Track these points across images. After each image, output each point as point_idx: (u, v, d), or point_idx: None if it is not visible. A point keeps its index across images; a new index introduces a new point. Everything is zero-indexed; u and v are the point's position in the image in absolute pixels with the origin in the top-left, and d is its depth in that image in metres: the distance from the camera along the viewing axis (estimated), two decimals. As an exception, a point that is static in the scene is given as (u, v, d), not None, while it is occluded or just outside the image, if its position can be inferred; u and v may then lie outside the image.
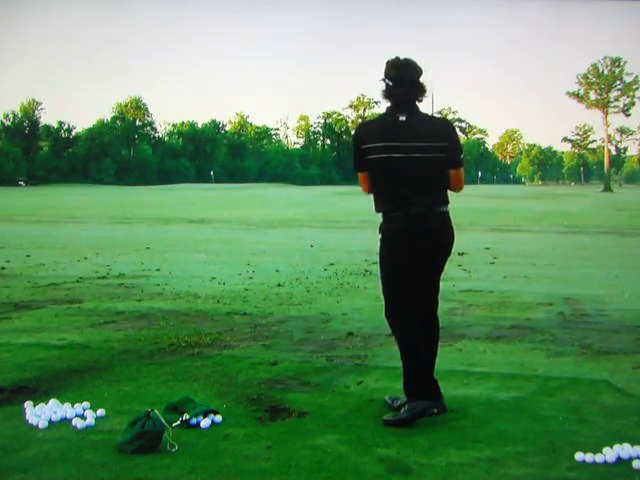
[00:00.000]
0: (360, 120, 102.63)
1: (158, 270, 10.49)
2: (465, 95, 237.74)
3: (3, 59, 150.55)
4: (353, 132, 4.20)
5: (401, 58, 3.82)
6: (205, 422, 3.68)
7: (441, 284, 4.04)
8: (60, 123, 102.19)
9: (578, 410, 4.00)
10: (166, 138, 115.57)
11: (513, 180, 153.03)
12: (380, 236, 3.90)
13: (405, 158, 3.72)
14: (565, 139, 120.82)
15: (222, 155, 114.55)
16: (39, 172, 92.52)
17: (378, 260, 3.97)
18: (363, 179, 3.94)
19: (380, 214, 3.92)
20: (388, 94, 3.80)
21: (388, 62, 3.82)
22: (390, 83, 3.77)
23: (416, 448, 3.40)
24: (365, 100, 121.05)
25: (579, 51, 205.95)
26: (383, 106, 3.88)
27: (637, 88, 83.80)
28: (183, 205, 36.87)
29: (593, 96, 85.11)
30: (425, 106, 3.83)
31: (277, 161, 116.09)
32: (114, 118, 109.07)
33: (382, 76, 3.80)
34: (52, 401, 3.91)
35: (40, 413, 3.77)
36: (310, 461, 3.24)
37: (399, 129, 3.74)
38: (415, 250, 3.80)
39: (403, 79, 3.74)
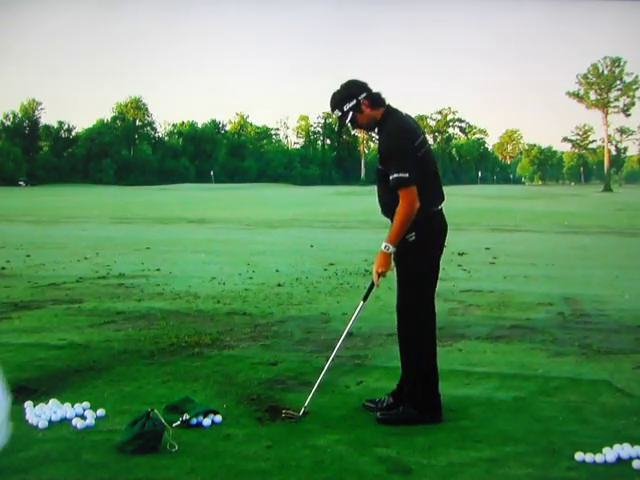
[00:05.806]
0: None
1: (158, 270, 10.49)
2: (465, 95, 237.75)
3: (3, 59, 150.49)
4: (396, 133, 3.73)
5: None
6: (206, 422, 3.68)
7: (439, 284, 4.03)
8: (60, 123, 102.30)
9: (578, 410, 4.00)
10: (166, 138, 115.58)
11: (513, 180, 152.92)
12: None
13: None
14: (565, 139, 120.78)
15: (222, 155, 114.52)
16: (39, 172, 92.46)
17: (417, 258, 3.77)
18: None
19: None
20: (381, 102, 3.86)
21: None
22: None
23: (416, 448, 3.40)
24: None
25: (579, 51, 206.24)
26: None
27: (637, 88, 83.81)
28: (183, 205, 36.83)
29: (593, 96, 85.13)
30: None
31: (277, 161, 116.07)
32: (114, 118, 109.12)
33: (369, 88, 3.86)
34: (52, 401, 3.92)
35: (40, 413, 3.78)
36: (310, 461, 3.24)
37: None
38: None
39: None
